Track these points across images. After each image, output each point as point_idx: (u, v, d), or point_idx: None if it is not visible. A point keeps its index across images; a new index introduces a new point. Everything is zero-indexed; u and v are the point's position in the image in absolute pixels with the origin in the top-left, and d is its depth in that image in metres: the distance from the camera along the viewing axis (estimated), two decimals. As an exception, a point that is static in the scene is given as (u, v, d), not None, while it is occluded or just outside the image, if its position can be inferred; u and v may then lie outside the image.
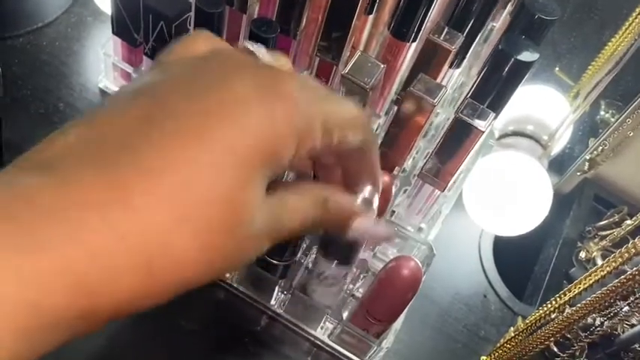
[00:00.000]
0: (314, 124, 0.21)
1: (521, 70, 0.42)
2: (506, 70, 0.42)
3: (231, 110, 0.20)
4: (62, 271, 0.16)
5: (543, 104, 0.59)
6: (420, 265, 0.40)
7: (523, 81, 0.43)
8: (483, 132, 0.40)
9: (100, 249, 0.17)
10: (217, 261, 0.20)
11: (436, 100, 0.40)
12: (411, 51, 0.50)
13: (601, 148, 0.55)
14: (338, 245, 0.41)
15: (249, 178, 0.20)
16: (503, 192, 0.54)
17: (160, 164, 0.18)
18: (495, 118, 0.42)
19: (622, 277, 0.36)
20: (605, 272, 0.36)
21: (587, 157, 0.56)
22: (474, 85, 0.44)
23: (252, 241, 0.21)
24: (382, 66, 0.42)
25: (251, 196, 0.20)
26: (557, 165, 0.63)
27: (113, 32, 0.52)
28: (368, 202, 0.27)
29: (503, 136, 0.59)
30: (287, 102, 0.21)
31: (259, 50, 0.25)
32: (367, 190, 0.27)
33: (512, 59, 0.41)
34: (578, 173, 0.59)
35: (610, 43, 0.60)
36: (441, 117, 0.58)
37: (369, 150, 0.25)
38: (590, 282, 0.38)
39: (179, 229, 0.18)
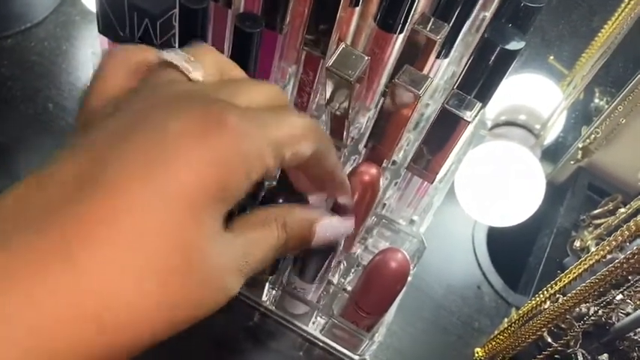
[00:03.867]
0: (262, 151, 0.21)
1: (507, 59, 0.42)
2: (492, 59, 0.42)
3: (169, 151, 0.18)
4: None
5: (535, 93, 0.59)
6: (407, 256, 0.39)
7: (510, 70, 0.43)
8: (470, 122, 0.39)
9: (40, 318, 0.16)
10: (181, 308, 0.19)
11: (421, 91, 0.40)
12: (398, 43, 0.50)
13: (593, 136, 0.54)
14: (306, 263, 0.41)
15: (200, 217, 0.19)
16: (496, 182, 0.53)
17: (99, 216, 0.17)
18: (482, 108, 0.42)
19: (611, 264, 0.36)
20: (594, 260, 0.36)
21: (580, 146, 0.56)
22: (460, 76, 0.44)
23: (217, 280, 0.20)
24: (366, 58, 0.41)
25: (205, 235, 0.19)
26: (551, 154, 0.62)
27: (99, 31, 0.52)
28: (343, 206, 0.28)
29: (495, 126, 0.58)
30: (229, 134, 0.19)
31: (176, 57, 0.24)
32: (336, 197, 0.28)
33: (499, 48, 0.41)
34: (572, 162, 0.58)
35: (602, 31, 0.59)
36: (432, 108, 0.57)
37: (323, 154, 0.25)
38: (580, 270, 0.37)
39: (127, 281, 0.17)
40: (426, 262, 0.49)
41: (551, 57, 0.69)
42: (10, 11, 0.59)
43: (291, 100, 0.55)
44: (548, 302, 0.42)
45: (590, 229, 0.57)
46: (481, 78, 0.43)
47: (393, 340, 0.49)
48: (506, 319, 0.51)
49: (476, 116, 0.40)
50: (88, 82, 0.57)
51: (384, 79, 0.53)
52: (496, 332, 0.48)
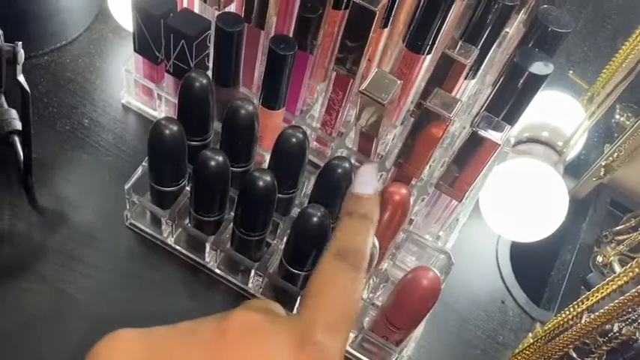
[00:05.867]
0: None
1: (535, 83, 0.43)
2: (520, 83, 0.43)
3: None
4: None
5: (558, 111, 0.60)
6: (438, 275, 0.41)
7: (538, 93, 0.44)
8: (499, 145, 0.41)
9: None
10: None
11: (452, 114, 0.41)
12: (425, 63, 0.51)
13: (616, 154, 0.55)
14: None
15: None
16: (520, 199, 0.54)
17: None
18: (511, 129, 0.43)
19: None
20: (623, 281, 0.37)
21: (603, 163, 0.57)
22: (489, 98, 0.45)
23: None
24: (399, 82, 0.43)
25: None
26: (573, 170, 0.63)
27: (135, 50, 0.54)
28: None
29: (518, 143, 0.59)
30: None
31: None
32: None
33: (527, 72, 0.42)
34: (594, 179, 0.59)
35: (624, 47, 0.60)
36: (456, 125, 0.59)
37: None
38: (609, 290, 0.38)
39: None
40: (452, 277, 0.50)
41: (570, 72, 0.70)
42: (45, 30, 0.61)
43: (320, 117, 0.56)
44: (574, 320, 0.43)
45: (613, 245, 0.58)
46: (509, 101, 0.44)
47: (419, 353, 0.50)
48: (530, 334, 0.52)
49: (505, 138, 0.42)
50: (122, 98, 0.59)
51: (410, 97, 0.55)
52: (521, 347, 0.49)
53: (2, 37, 0.42)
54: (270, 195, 0.43)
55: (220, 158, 0.42)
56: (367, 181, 0.31)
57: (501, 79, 0.44)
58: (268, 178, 0.41)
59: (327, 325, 0.26)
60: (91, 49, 0.62)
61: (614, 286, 0.38)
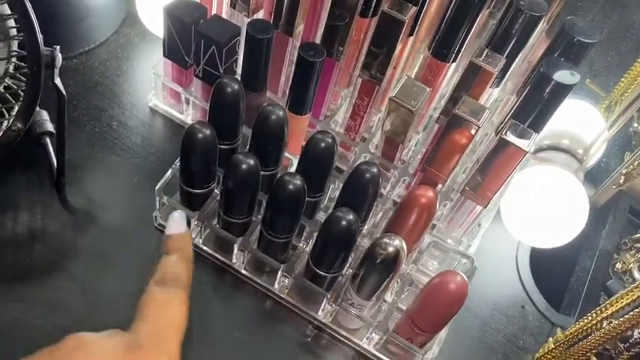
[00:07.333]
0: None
1: (561, 92, 0.44)
2: (547, 92, 0.44)
3: None
4: None
5: (578, 118, 0.61)
6: (466, 279, 0.41)
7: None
8: (526, 152, 0.41)
9: None
10: None
11: (481, 121, 0.42)
12: (450, 71, 0.52)
13: (637, 162, 0.56)
14: (365, 281, 0.44)
15: None
16: (540, 205, 0.55)
17: None
18: (537, 137, 0.44)
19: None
20: (648, 288, 0.38)
21: (624, 171, 0.58)
22: (515, 106, 0.46)
23: None
24: (428, 90, 0.44)
25: None
26: (592, 177, 0.64)
27: (164, 55, 0.55)
28: None
29: (538, 150, 0.60)
30: None
31: None
32: None
33: (553, 82, 0.43)
34: (614, 186, 0.60)
35: (643, 56, 0.61)
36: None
37: None
38: (633, 297, 0.39)
39: None
40: (473, 281, 0.51)
41: (587, 80, 0.70)
42: (75, 33, 0.62)
43: (343, 122, 0.57)
44: (596, 326, 0.44)
45: (632, 252, 0.58)
46: (535, 109, 0.45)
47: (440, 356, 0.51)
48: (551, 339, 0.52)
49: (532, 145, 0.42)
50: (150, 101, 0.60)
51: (434, 104, 0.56)
52: (542, 352, 0.50)
53: (42, 42, 0.43)
54: (299, 199, 0.43)
55: (252, 162, 0.43)
56: (177, 224, 0.41)
57: (527, 88, 0.45)
58: (298, 183, 0.42)
59: (151, 333, 0.33)
60: (118, 53, 0.63)
61: (639, 293, 0.38)
